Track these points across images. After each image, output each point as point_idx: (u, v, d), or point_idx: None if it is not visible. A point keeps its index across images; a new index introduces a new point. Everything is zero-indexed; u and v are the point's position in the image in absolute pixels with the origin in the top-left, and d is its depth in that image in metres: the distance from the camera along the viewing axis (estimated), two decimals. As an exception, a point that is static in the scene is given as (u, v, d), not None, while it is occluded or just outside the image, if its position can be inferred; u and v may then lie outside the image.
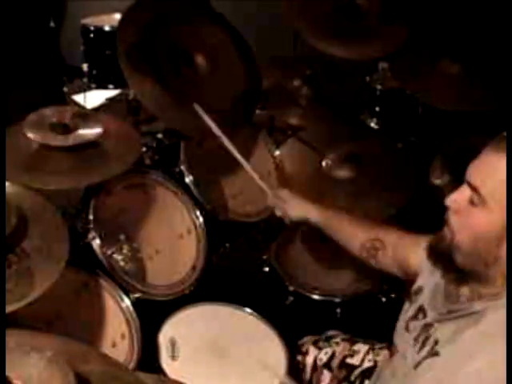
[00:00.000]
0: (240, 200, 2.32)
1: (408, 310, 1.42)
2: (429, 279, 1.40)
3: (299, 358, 1.77)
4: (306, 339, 1.81)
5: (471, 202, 1.20)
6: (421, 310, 1.37)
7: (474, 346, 1.17)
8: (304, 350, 1.78)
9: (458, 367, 1.17)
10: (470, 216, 1.21)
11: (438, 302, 1.33)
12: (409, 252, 1.61)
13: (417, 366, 1.28)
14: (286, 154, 2.47)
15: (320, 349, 1.76)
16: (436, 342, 1.26)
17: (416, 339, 1.33)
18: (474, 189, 1.20)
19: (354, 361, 1.70)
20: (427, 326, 1.31)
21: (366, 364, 1.68)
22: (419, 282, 1.45)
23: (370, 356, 1.69)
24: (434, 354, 1.25)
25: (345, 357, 1.71)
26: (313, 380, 1.73)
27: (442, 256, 1.29)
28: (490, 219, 1.18)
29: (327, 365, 1.72)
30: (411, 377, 1.30)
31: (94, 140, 1.88)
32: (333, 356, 1.72)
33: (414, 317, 1.38)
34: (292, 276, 2.20)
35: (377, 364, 1.66)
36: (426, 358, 1.26)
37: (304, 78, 2.68)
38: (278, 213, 1.94)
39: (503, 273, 1.20)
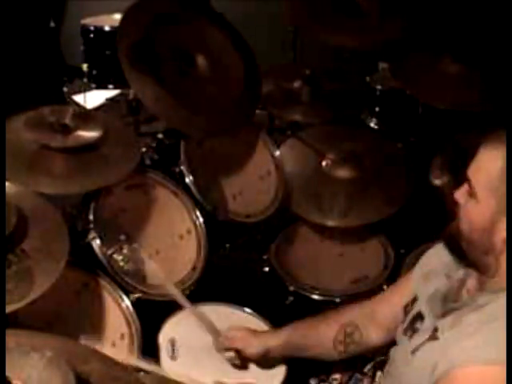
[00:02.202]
0: (240, 200, 2.32)
1: (405, 320, 1.44)
2: (425, 287, 1.42)
3: None
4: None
5: (469, 195, 1.27)
6: (418, 316, 1.38)
7: (473, 329, 1.19)
8: None
9: (454, 344, 1.20)
10: (467, 208, 1.28)
11: (435, 305, 1.35)
12: (390, 308, 1.56)
13: (414, 351, 1.30)
14: (286, 153, 2.47)
15: None
16: (435, 329, 1.28)
17: (411, 325, 1.36)
18: (468, 182, 1.27)
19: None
20: (426, 330, 1.32)
21: (379, 357, 1.67)
22: (413, 293, 1.46)
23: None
24: (433, 338, 1.27)
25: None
26: None
27: (455, 241, 1.34)
28: (479, 209, 1.25)
29: None
30: (408, 362, 1.32)
31: (93, 142, 1.87)
32: None
33: (412, 324, 1.39)
34: (292, 276, 2.20)
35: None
36: (424, 343, 1.29)
37: (304, 78, 2.67)
38: (228, 355, 1.70)
39: (499, 261, 1.24)
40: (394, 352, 1.46)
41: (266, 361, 1.69)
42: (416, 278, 1.50)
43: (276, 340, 1.67)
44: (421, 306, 1.39)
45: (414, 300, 1.44)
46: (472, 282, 1.33)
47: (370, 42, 2.61)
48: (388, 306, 1.58)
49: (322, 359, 1.65)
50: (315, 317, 1.70)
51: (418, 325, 1.37)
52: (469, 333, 1.19)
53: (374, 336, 1.60)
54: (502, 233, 1.22)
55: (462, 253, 1.33)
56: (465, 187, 1.28)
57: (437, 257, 1.45)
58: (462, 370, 1.16)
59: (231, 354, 1.69)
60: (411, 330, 1.38)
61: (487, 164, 1.24)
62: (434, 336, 1.28)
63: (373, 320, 1.60)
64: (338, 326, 1.61)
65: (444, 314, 1.30)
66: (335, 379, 1.69)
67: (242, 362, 1.69)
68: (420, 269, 1.51)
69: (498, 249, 1.24)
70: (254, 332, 1.72)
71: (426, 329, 1.32)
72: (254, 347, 1.67)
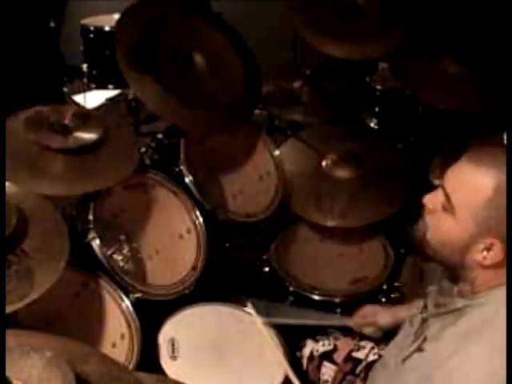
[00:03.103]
0: (240, 200, 2.32)
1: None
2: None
3: (298, 354, 1.78)
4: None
5: (443, 207, 1.21)
6: (425, 306, 1.38)
7: (453, 346, 1.18)
8: (302, 344, 1.79)
9: (439, 364, 1.19)
10: (441, 220, 1.22)
11: (434, 296, 1.35)
12: None
13: (404, 360, 1.30)
14: (286, 153, 2.47)
15: (317, 341, 1.77)
16: (424, 339, 1.28)
17: (415, 333, 1.34)
18: (446, 195, 1.20)
19: (359, 355, 1.71)
20: (424, 321, 1.33)
21: (371, 357, 1.69)
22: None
23: (375, 350, 1.71)
24: (419, 349, 1.27)
25: (351, 351, 1.72)
26: (309, 370, 1.74)
27: (414, 245, 1.32)
28: (457, 228, 1.19)
29: (329, 357, 1.72)
30: (398, 371, 1.32)
31: (93, 143, 1.87)
32: (335, 349, 1.73)
33: (419, 312, 1.39)
34: (292, 276, 2.20)
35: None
36: (413, 353, 1.29)
37: (304, 78, 2.67)
38: (367, 330, 1.79)
39: (476, 277, 1.21)
40: (388, 351, 1.47)
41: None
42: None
43: (403, 313, 1.69)
44: (428, 299, 1.38)
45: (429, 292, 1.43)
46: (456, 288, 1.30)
47: (372, 51, 2.60)
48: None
49: None
50: None
51: (422, 313, 1.36)
52: (448, 352, 1.17)
53: None
54: (476, 255, 1.18)
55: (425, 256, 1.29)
56: (438, 196, 1.22)
57: None
58: None
59: (370, 328, 1.77)
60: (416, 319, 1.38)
61: (474, 187, 1.16)
62: (420, 347, 1.27)
63: None
64: None
65: (436, 308, 1.30)
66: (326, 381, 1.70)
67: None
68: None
69: (469, 266, 1.21)
70: (384, 307, 1.83)
71: (422, 325, 1.32)
72: (387, 319, 1.74)
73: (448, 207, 1.19)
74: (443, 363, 1.18)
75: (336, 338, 1.77)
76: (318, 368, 1.72)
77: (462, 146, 2.39)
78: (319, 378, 1.71)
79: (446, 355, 1.18)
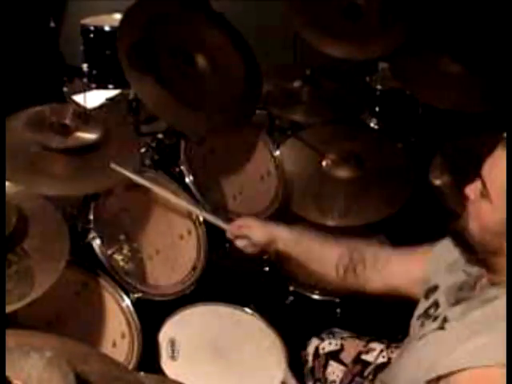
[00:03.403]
0: (240, 200, 2.32)
1: (421, 306, 1.43)
2: (447, 277, 1.41)
3: (303, 352, 1.77)
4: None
5: (482, 195, 1.23)
6: (434, 304, 1.38)
7: (479, 326, 1.19)
8: (307, 343, 1.77)
9: (459, 341, 1.20)
10: (479, 207, 1.24)
11: (451, 295, 1.34)
12: (408, 263, 1.57)
13: (421, 337, 1.31)
14: (286, 153, 2.47)
15: (323, 339, 1.75)
16: (444, 320, 1.28)
17: (429, 311, 1.35)
18: (482, 182, 1.23)
19: (369, 357, 1.69)
20: (437, 318, 1.33)
21: (380, 360, 1.67)
22: (434, 281, 1.45)
23: (385, 353, 1.69)
24: (439, 328, 1.28)
25: (360, 353, 1.70)
26: (315, 367, 1.72)
27: (462, 237, 1.31)
28: (492, 211, 1.21)
29: (335, 357, 1.70)
30: (413, 346, 1.33)
31: (93, 143, 1.87)
32: (342, 349, 1.71)
33: (427, 311, 1.39)
34: (292, 276, 2.20)
35: (390, 360, 1.66)
36: (431, 332, 1.29)
37: (304, 78, 2.68)
38: (240, 243, 1.78)
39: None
40: (407, 342, 1.45)
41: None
42: (437, 265, 1.47)
43: (286, 235, 1.71)
44: (439, 296, 1.39)
45: (435, 288, 1.42)
46: (485, 280, 1.31)
47: (372, 51, 2.60)
48: (400, 266, 1.57)
49: (317, 279, 1.70)
50: (327, 235, 1.72)
51: (431, 311, 1.37)
52: (474, 331, 1.19)
53: (372, 281, 1.60)
54: None
55: (469, 249, 1.30)
56: (477, 185, 1.25)
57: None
58: (464, 373, 1.16)
59: (243, 242, 1.74)
60: (424, 316, 1.38)
61: (503, 166, 1.19)
62: (441, 326, 1.28)
63: (380, 267, 1.59)
64: (348, 250, 1.62)
65: (455, 303, 1.30)
66: (333, 381, 1.70)
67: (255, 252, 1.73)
68: (441, 256, 1.47)
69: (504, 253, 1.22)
70: (264, 222, 1.78)
71: (437, 315, 1.32)
72: (260, 234, 1.71)
73: (485, 193, 1.22)
74: (464, 342, 1.18)
75: (343, 339, 1.75)
76: (325, 367, 1.71)
77: (462, 146, 2.40)
78: (326, 378, 1.69)
79: (469, 333, 1.19)
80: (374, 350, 1.70)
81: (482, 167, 1.25)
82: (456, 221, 1.34)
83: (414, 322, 1.43)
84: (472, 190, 1.27)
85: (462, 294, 1.31)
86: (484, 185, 1.22)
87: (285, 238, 1.72)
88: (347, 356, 1.70)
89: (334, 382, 1.68)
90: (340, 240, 1.68)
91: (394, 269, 1.58)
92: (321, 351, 1.73)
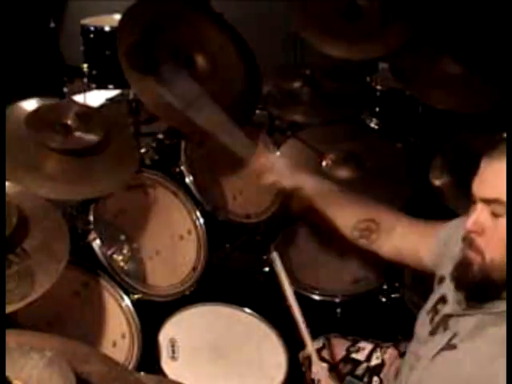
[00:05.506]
0: (240, 200, 2.32)
1: (430, 301, 1.42)
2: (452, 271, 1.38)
3: (301, 353, 1.76)
4: None
5: (494, 216, 1.19)
6: (442, 299, 1.36)
7: (495, 349, 1.16)
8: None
9: (480, 365, 1.17)
10: (498, 228, 1.19)
11: (460, 294, 1.31)
12: (419, 242, 1.57)
13: (434, 356, 1.29)
14: (286, 154, 2.47)
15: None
16: (455, 335, 1.26)
17: (434, 329, 1.33)
18: (493, 201, 1.19)
19: (359, 356, 1.69)
20: (446, 317, 1.31)
21: (374, 361, 1.67)
22: (441, 272, 1.43)
23: (378, 353, 1.68)
24: (451, 346, 1.26)
25: (349, 352, 1.70)
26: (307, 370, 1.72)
27: (469, 283, 1.26)
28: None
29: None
30: (428, 368, 1.31)
31: (94, 144, 1.87)
32: (324, 347, 1.71)
33: (435, 306, 1.38)
34: (292, 276, 2.20)
35: (384, 362, 1.66)
36: (443, 349, 1.27)
37: (304, 78, 2.67)
38: (269, 179, 1.84)
39: None
40: (418, 347, 1.42)
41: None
42: (442, 255, 1.45)
43: (312, 186, 1.76)
44: (445, 290, 1.36)
45: (442, 280, 1.41)
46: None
47: (372, 51, 2.60)
48: (415, 238, 1.59)
49: (335, 228, 1.72)
50: (358, 197, 1.78)
51: (439, 306, 1.35)
52: (489, 356, 1.15)
53: (383, 250, 1.66)
54: None
55: (478, 291, 1.24)
56: (485, 210, 1.20)
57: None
58: None
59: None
60: (433, 311, 1.37)
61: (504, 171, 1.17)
62: (452, 344, 1.25)
63: (394, 236, 1.63)
64: (369, 216, 1.66)
65: (466, 309, 1.27)
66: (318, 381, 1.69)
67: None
68: (446, 245, 1.45)
69: None
70: (296, 168, 1.83)
71: (446, 320, 1.30)
72: (291, 180, 1.79)
73: (502, 210, 1.17)
74: (486, 365, 1.16)
75: (327, 338, 1.75)
76: (309, 367, 1.70)
77: (462, 146, 2.40)
78: (312, 379, 1.67)
79: (487, 356, 1.16)
80: (363, 348, 1.70)
81: (479, 193, 1.21)
82: (457, 273, 1.29)
83: (424, 317, 1.41)
84: (475, 222, 1.21)
85: (473, 303, 1.26)
86: (497, 202, 1.18)
87: (310, 189, 1.77)
88: (333, 353, 1.70)
89: (319, 381, 1.66)
90: (363, 203, 1.73)
91: (405, 245, 1.61)
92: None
